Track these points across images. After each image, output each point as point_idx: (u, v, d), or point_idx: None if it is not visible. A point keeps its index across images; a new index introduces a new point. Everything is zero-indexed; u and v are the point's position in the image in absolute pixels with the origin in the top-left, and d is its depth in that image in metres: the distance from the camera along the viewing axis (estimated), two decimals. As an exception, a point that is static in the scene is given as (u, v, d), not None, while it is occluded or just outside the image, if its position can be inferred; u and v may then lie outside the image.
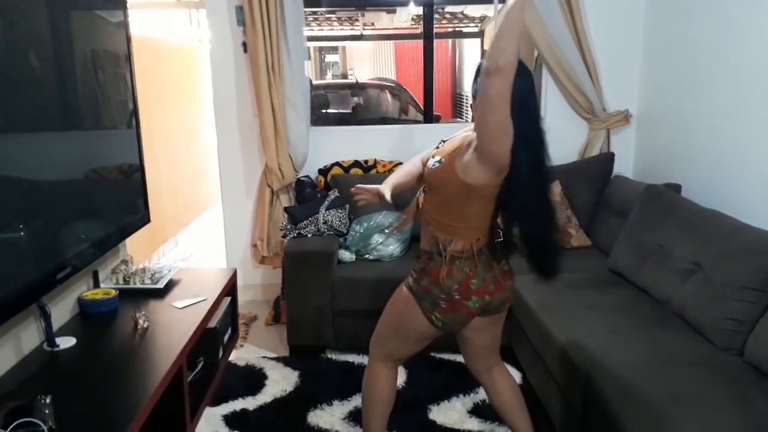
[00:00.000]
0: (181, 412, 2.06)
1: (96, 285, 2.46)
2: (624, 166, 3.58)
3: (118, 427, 1.56)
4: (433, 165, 1.77)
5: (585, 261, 3.00)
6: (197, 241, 5.32)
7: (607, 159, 3.46)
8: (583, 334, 2.17)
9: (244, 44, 3.41)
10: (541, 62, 3.58)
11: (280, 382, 2.73)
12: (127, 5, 2.57)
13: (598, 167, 3.44)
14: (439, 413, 2.48)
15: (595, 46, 3.44)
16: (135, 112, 2.69)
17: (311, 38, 9.29)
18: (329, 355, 2.97)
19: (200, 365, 2.42)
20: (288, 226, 3.14)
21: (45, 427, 1.48)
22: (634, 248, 2.66)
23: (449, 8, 8.28)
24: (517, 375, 2.75)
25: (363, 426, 2.04)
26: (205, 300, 2.42)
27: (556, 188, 3.28)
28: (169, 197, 4.93)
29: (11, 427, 1.46)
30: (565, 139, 3.60)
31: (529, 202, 1.68)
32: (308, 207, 3.20)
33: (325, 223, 3.11)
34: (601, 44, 3.46)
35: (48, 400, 1.51)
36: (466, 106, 8.90)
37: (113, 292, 2.35)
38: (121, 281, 2.53)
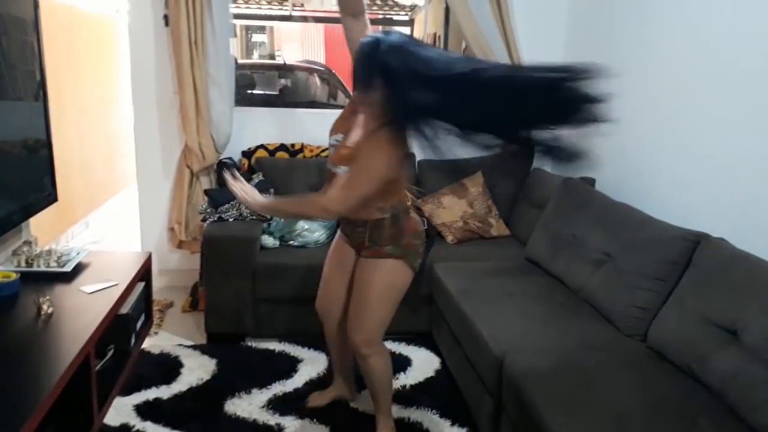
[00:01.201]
0: (89, 402, 1.95)
1: None
2: (543, 160, 3.70)
3: (17, 418, 1.46)
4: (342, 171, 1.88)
5: (504, 250, 3.09)
6: (110, 224, 5.05)
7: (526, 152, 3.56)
8: (500, 321, 2.24)
9: (166, 17, 3.24)
10: (468, 54, 3.63)
11: (197, 370, 2.65)
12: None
13: (518, 160, 3.54)
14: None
15: (520, 41, 3.52)
16: (42, 84, 2.51)
17: (238, 16, 9.00)
18: (249, 343, 2.91)
19: (110, 353, 2.31)
20: (208, 210, 3.03)
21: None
22: (549, 238, 2.76)
23: (381, -6, 8.25)
24: (436, 360, 2.80)
25: (383, 405, 2.16)
26: (116, 285, 2.30)
27: (479, 179, 3.35)
28: (80, 176, 4.63)
29: None
30: (489, 131, 3.68)
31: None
32: (229, 189, 3.10)
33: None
34: (526, 41, 3.54)
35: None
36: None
37: (14, 275, 2.18)
38: (23, 264, 2.36)
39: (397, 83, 1.63)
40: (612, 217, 2.50)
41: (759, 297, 1.76)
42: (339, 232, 2.21)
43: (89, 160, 4.86)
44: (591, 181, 3.07)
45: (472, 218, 3.22)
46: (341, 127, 1.97)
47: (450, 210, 3.24)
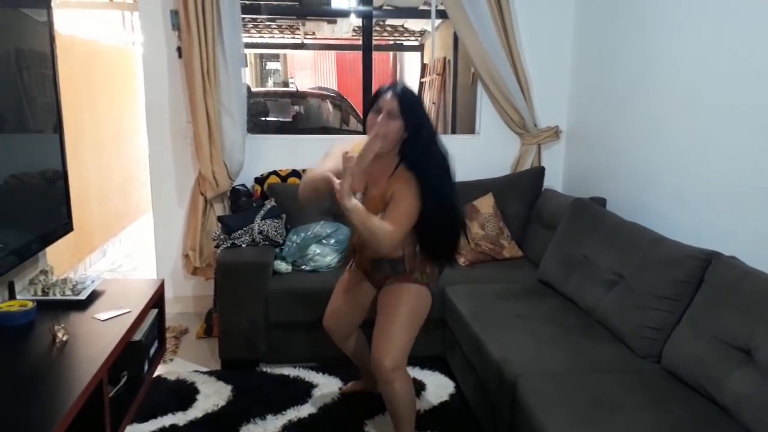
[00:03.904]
0: (102, 428, 1.96)
1: (12, 297, 2.33)
2: (554, 180, 3.71)
3: None
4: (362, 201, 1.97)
5: (516, 272, 3.08)
6: (126, 252, 5.13)
7: (537, 173, 3.57)
8: (512, 343, 2.23)
9: (179, 49, 3.33)
10: (477, 78, 3.68)
11: (212, 396, 2.66)
12: (51, 4, 2.46)
13: (529, 181, 3.55)
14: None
15: (527, 64, 3.56)
16: (59, 116, 2.58)
17: (250, 45, 9.18)
18: (263, 369, 2.92)
19: (124, 380, 2.33)
20: (221, 236, 3.07)
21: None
22: (561, 259, 2.75)
23: (390, 21, 8.38)
24: (450, 385, 2.78)
25: (406, 426, 2.13)
26: (129, 312, 2.33)
27: (490, 201, 3.36)
28: (98, 205, 4.73)
29: None
30: (498, 153, 3.71)
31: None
32: (243, 216, 3.14)
33: (260, 233, 3.07)
34: (533, 63, 3.59)
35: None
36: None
37: (30, 304, 2.22)
38: (39, 292, 2.40)
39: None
40: (623, 237, 2.49)
41: (772, 315, 1.74)
42: (353, 267, 2.29)
43: (106, 190, 4.96)
44: (602, 201, 3.07)
45: (483, 240, 3.22)
46: (357, 186, 1.99)
47: (461, 232, 3.25)
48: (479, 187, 3.45)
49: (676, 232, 2.44)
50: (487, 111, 3.70)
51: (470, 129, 3.97)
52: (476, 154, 3.71)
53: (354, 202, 1.80)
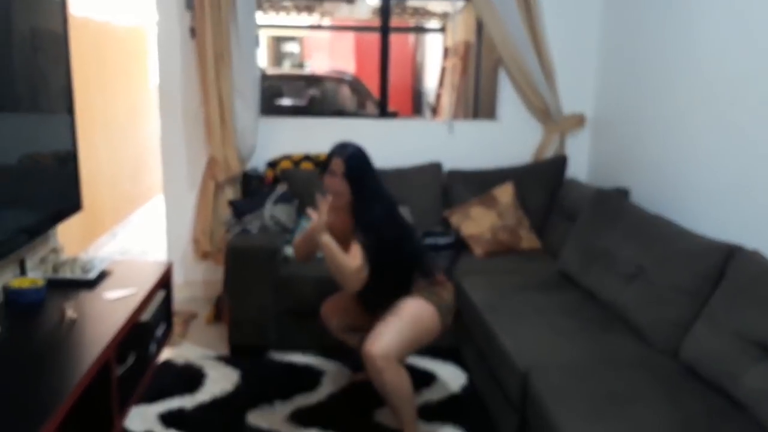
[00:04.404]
0: (108, 405, 1.99)
1: (23, 274, 2.35)
2: (578, 169, 3.60)
3: (38, 417, 1.51)
4: None
5: (534, 263, 3.01)
6: (136, 235, 5.12)
7: (559, 162, 3.47)
8: (527, 336, 2.18)
9: (192, 29, 3.27)
10: (499, 63, 3.57)
11: (220, 381, 2.64)
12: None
13: (550, 170, 3.45)
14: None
15: (552, 49, 3.44)
16: (70, 96, 2.57)
17: (265, 25, 9.09)
18: (272, 356, 2.89)
19: (131, 360, 2.32)
20: (232, 220, 3.03)
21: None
22: (582, 251, 2.68)
23: (412, 3, 8.23)
24: (462, 376, 2.73)
25: (407, 419, 2.17)
26: (136, 293, 2.34)
27: (509, 190, 3.27)
28: (109, 188, 4.71)
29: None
30: (519, 140, 3.61)
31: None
32: (253, 200, 3.10)
33: (271, 218, 3.02)
34: (558, 48, 3.46)
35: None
36: (425, 103, 8.89)
37: (41, 282, 2.25)
38: (50, 271, 2.43)
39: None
40: (645, 230, 2.41)
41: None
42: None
43: (117, 173, 4.95)
44: (625, 191, 2.97)
45: (501, 230, 3.14)
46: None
47: (478, 222, 3.17)
48: (498, 176, 3.37)
49: (701, 224, 2.36)
50: (510, 97, 3.59)
51: (492, 115, 3.86)
52: (496, 141, 3.62)
53: (328, 237, 2.06)
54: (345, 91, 6.43)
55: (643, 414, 1.69)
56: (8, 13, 2.07)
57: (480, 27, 3.96)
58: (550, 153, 3.59)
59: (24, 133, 2.25)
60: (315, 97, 6.19)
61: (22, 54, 2.19)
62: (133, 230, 5.23)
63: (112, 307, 2.21)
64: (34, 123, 2.34)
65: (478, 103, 5.24)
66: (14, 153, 2.17)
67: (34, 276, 2.35)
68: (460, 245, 3.15)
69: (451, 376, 2.73)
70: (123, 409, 2.13)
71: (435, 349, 2.83)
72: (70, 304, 2.12)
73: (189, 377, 2.66)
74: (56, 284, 2.35)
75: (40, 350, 1.88)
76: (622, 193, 2.94)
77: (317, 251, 2.33)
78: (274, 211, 3.03)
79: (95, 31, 4.45)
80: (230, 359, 2.84)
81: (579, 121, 3.57)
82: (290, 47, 11.53)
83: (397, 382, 2.07)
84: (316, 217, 2.07)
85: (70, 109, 2.59)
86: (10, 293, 2.19)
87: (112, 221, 4.86)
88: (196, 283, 3.59)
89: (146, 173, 5.79)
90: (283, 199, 3.11)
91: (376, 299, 2.24)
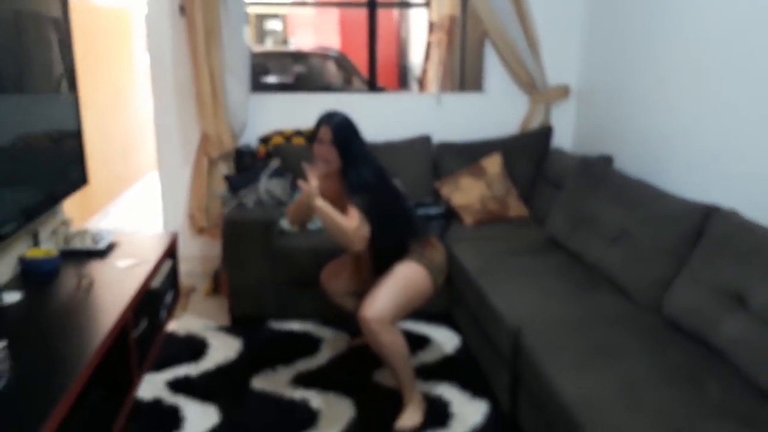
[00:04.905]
0: (127, 366, 2.10)
1: (36, 246, 2.44)
2: (564, 139, 3.69)
3: (73, 368, 1.62)
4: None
5: (522, 230, 3.12)
6: (129, 213, 5.15)
7: (545, 132, 3.56)
8: (517, 296, 2.28)
9: (182, 7, 3.29)
10: (485, 36, 3.63)
11: (223, 349, 2.73)
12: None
13: (537, 140, 3.55)
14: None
15: (537, 22, 3.50)
16: (74, 77, 2.67)
17: (252, 2, 8.99)
18: (272, 325, 2.98)
19: (143, 325, 2.40)
20: (228, 195, 3.09)
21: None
22: (568, 216, 2.78)
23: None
24: (455, 338, 2.84)
25: (405, 380, 2.23)
26: (147, 261, 2.44)
27: (497, 160, 3.37)
28: (101, 167, 4.72)
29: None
30: (506, 112, 3.68)
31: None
32: (248, 175, 3.16)
33: (267, 192, 3.09)
34: (543, 21, 3.52)
35: (3, 345, 1.57)
36: (411, 78, 8.90)
37: (55, 252, 2.35)
38: (61, 242, 2.53)
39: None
40: (628, 194, 2.51)
41: (766, 264, 1.79)
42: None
43: (108, 152, 4.95)
44: (609, 158, 3.08)
45: (490, 200, 3.24)
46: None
47: (467, 192, 3.27)
48: (486, 147, 3.45)
49: (681, 188, 2.47)
50: (496, 69, 3.65)
51: (478, 87, 3.93)
52: (484, 113, 3.69)
53: (321, 201, 2.12)
54: (331, 68, 6.44)
55: (630, 364, 1.78)
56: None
57: (465, 0, 4.00)
58: (536, 123, 3.68)
59: (34, 113, 2.34)
60: (301, 74, 6.20)
61: (42, 39, 2.35)
62: (126, 208, 5.26)
63: (125, 274, 2.31)
64: (44, 103, 2.43)
65: (464, 76, 5.29)
66: (25, 131, 2.25)
67: (47, 247, 2.44)
68: (451, 215, 3.25)
69: (445, 339, 2.84)
70: (140, 371, 2.24)
71: (429, 314, 2.94)
72: (85, 272, 2.23)
73: (193, 347, 2.75)
74: (69, 255, 2.45)
75: (63, 312, 1.97)
76: (606, 161, 3.04)
77: (311, 218, 2.44)
78: (269, 186, 3.10)
79: (82, 11, 4.42)
80: (231, 329, 2.93)
81: (564, 92, 3.66)
82: (273, 25, 11.40)
83: (392, 343, 2.15)
84: (306, 186, 2.13)
85: (74, 90, 2.68)
86: (27, 263, 2.27)
87: (105, 200, 4.88)
88: (193, 258, 3.65)
89: (136, 152, 5.79)
90: (277, 173, 3.18)
91: (376, 262, 2.31)
